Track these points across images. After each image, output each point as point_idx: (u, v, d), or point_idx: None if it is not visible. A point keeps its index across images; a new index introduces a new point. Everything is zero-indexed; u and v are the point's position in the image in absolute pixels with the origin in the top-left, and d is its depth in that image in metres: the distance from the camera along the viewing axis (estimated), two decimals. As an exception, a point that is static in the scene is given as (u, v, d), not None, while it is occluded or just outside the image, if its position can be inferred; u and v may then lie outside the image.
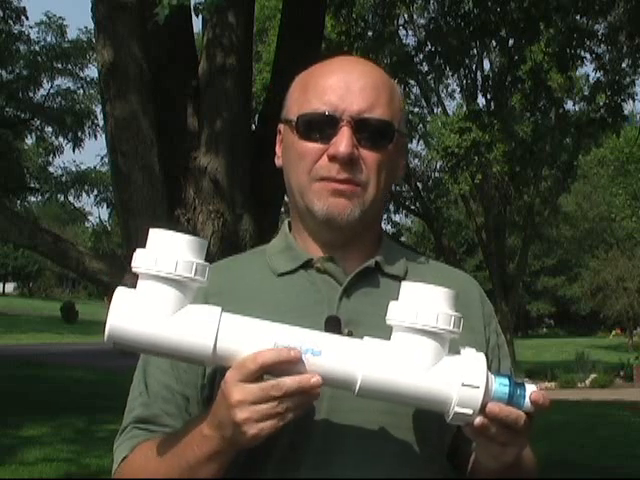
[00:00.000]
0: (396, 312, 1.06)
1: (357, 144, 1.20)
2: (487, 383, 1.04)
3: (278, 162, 1.31)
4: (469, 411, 1.03)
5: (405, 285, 1.07)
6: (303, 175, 1.22)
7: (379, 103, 1.22)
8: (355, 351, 1.05)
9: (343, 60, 1.31)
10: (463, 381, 1.03)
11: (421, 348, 1.04)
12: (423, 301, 1.04)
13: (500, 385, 1.05)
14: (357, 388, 1.04)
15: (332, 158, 1.19)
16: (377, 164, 1.21)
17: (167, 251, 1.04)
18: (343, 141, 1.18)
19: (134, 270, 1.06)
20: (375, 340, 1.07)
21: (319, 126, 1.21)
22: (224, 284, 1.25)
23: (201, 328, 1.04)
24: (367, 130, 1.20)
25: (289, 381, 1.02)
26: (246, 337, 1.05)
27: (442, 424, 1.15)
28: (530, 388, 1.06)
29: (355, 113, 1.20)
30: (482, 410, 1.04)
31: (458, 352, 1.07)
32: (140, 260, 1.05)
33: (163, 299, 1.04)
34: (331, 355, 1.04)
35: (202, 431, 1.09)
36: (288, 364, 1.02)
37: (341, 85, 1.21)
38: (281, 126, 1.30)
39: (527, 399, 1.05)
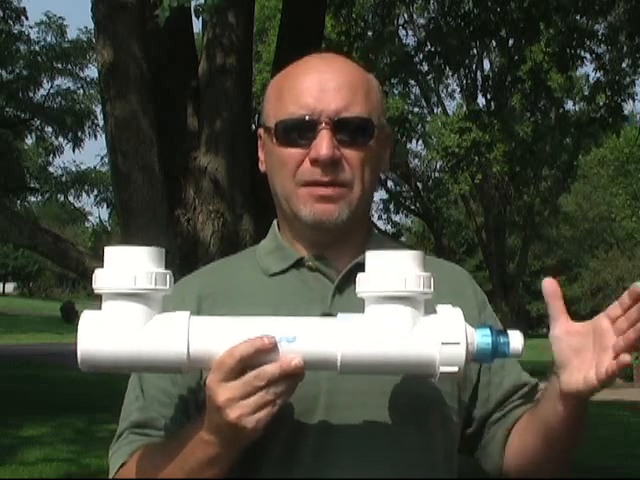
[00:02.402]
0: (364, 283, 1.05)
1: (337, 145, 1.19)
2: (466, 337, 1.03)
3: (262, 167, 1.30)
4: (454, 369, 1.03)
5: (369, 254, 1.06)
6: (287, 181, 1.22)
7: (356, 101, 1.21)
8: (330, 330, 1.04)
9: (316, 59, 1.29)
10: (443, 340, 1.03)
11: (395, 315, 1.04)
12: (389, 267, 1.03)
13: (482, 337, 1.05)
14: (339, 366, 1.04)
15: (314, 162, 1.19)
16: (360, 162, 1.21)
17: (124, 266, 1.03)
18: (323, 144, 1.18)
19: (96, 291, 1.05)
20: (349, 315, 1.06)
21: (298, 131, 1.20)
22: (216, 286, 1.25)
23: (171, 336, 1.04)
24: (346, 129, 1.20)
25: (270, 368, 1.01)
26: (218, 336, 1.04)
27: (445, 415, 1.17)
28: (514, 334, 1.06)
29: (333, 113, 1.19)
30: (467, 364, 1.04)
31: (435, 312, 1.07)
32: (100, 281, 1.04)
33: (129, 315, 1.04)
34: (306, 339, 1.03)
35: (201, 437, 1.08)
36: (265, 353, 1.02)
37: (316, 86, 1.20)
38: (261, 131, 1.30)
39: (512, 345, 1.05)
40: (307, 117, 1.19)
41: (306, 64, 1.27)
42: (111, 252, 1.05)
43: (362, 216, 1.28)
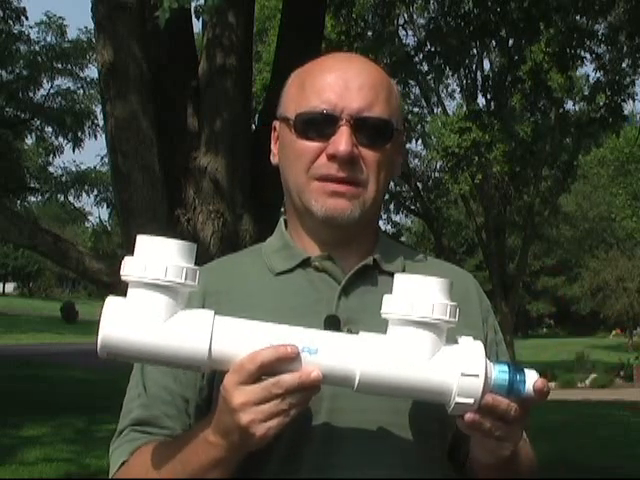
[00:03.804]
0: (391, 305, 1.05)
1: (356, 143, 1.19)
2: (486, 371, 1.03)
3: (274, 160, 1.30)
4: (470, 400, 1.03)
5: (398, 277, 1.07)
6: (301, 174, 1.21)
7: (378, 101, 1.21)
8: (352, 347, 1.04)
9: (340, 57, 1.30)
10: (462, 371, 1.02)
11: (418, 340, 1.04)
12: (417, 292, 1.03)
13: (500, 372, 1.05)
14: (356, 384, 1.03)
15: (331, 157, 1.19)
16: (376, 163, 1.21)
17: (156, 257, 1.03)
18: (342, 140, 1.17)
19: (124, 278, 1.04)
20: (371, 334, 1.06)
21: (318, 125, 1.20)
22: (222, 283, 1.24)
23: (195, 333, 1.03)
24: (366, 129, 1.20)
25: (289, 377, 1.01)
26: (241, 339, 1.04)
27: (443, 421, 1.15)
28: (530, 373, 1.06)
29: (354, 112, 1.19)
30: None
31: (456, 341, 1.07)
32: (129, 268, 1.03)
33: (155, 306, 1.03)
34: (328, 352, 1.03)
35: (207, 438, 1.08)
36: (286, 361, 1.01)
37: (339, 83, 1.20)
38: (276, 123, 1.29)
39: (528, 385, 1.05)
40: (328, 112, 1.19)
41: (330, 61, 1.26)
42: (143, 241, 1.05)
43: (372, 218, 1.27)
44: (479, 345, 1.06)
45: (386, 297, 1.06)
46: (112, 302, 1.05)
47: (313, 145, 1.20)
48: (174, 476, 1.12)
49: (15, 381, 13.29)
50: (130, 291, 1.04)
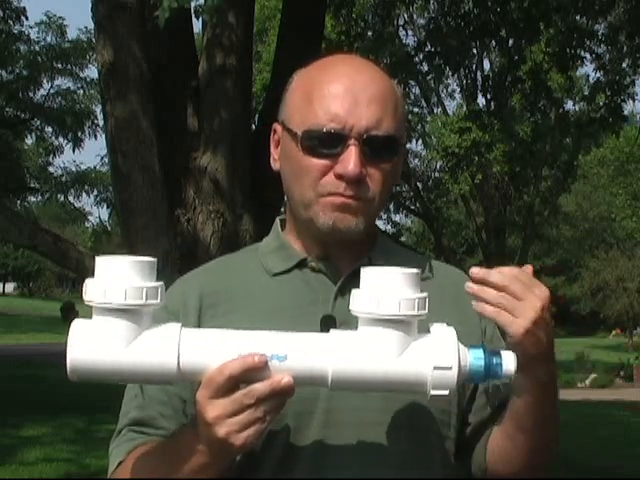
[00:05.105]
0: (358, 302, 1.04)
1: (364, 161, 1.18)
2: (459, 361, 1.03)
3: (275, 165, 1.28)
4: (445, 392, 1.03)
5: (365, 271, 1.05)
6: (308, 190, 1.20)
7: (386, 116, 1.19)
8: (321, 347, 1.04)
9: (346, 63, 1.26)
10: (435, 364, 1.02)
11: (388, 336, 1.03)
12: (383, 288, 1.02)
13: (475, 359, 1.04)
14: (330, 382, 1.03)
15: (339, 177, 1.18)
16: (383, 178, 1.20)
17: (115, 280, 1.01)
18: (351, 160, 1.16)
19: (87, 303, 1.04)
20: (342, 332, 1.06)
21: (325, 142, 1.18)
22: (219, 284, 1.24)
23: (162, 349, 1.03)
24: (374, 147, 1.18)
25: (260, 387, 1.01)
26: (208, 350, 1.03)
27: (442, 421, 1.17)
28: (506, 355, 1.05)
29: (363, 130, 1.17)
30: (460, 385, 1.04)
31: (428, 330, 1.06)
32: (90, 292, 1.03)
33: (120, 329, 1.02)
34: (297, 358, 1.02)
35: (195, 445, 1.08)
36: (255, 371, 1.01)
37: (348, 98, 1.18)
38: (277, 126, 1.27)
39: (505, 367, 1.05)
40: (337, 131, 1.17)
41: (336, 68, 1.23)
42: (102, 263, 1.03)
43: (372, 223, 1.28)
44: (451, 334, 1.05)
45: (354, 293, 1.05)
46: (78, 325, 1.04)
47: (320, 163, 1.18)
48: (167, 476, 1.12)
49: (15, 381, 13.28)
50: (94, 315, 1.04)
